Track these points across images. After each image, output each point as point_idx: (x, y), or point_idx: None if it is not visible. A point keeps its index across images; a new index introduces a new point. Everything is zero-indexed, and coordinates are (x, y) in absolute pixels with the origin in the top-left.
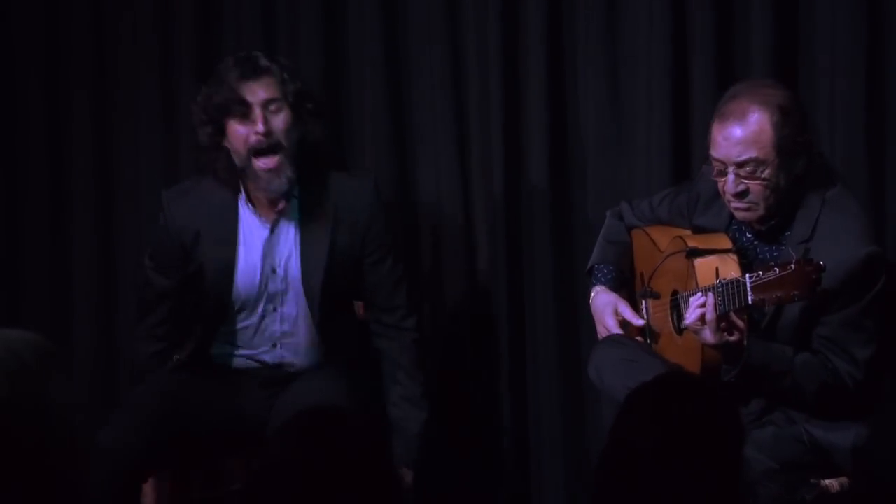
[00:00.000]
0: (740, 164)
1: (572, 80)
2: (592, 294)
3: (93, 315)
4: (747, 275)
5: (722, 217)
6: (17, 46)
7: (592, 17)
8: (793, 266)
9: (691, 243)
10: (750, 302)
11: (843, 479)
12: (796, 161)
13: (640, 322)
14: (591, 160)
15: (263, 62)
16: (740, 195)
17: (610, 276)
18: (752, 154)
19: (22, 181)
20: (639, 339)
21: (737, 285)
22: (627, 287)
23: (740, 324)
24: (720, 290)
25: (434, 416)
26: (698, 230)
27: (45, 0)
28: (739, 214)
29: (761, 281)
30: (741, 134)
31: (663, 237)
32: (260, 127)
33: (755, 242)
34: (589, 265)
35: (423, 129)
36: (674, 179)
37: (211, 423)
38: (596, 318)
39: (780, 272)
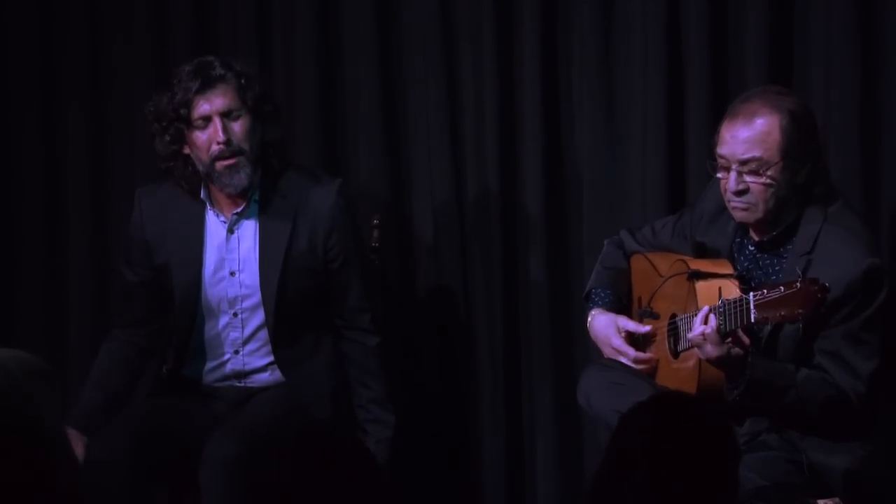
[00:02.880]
0: (744, 163)
1: (567, 100)
2: (589, 318)
3: (87, 330)
4: (751, 293)
5: (727, 232)
6: (12, 53)
7: (587, 40)
8: (798, 285)
9: (693, 266)
10: (753, 320)
11: (837, 500)
12: (800, 168)
13: (645, 329)
14: (586, 180)
15: (219, 71)
16: (740, 193)
17: (607, 300)
18: (757, 154)
19: (17, 189)
20: (639, 360)
21: (740, 303)
22: (625, 313)
23: (745, 339)
24: (722, 308)
25: (412, 425)
26: (701, 248)
27: (40, 4)
28: (738, 215)
29: (765, 299)
30: (748, 133)
31: (663, 262)
32: (221, 136)
33: (757, 255)
34: (586, 290)
35: (418, 146)
36: (669, 198)
37: (190, 443)
38: (599, 340)
39: (785, 290)
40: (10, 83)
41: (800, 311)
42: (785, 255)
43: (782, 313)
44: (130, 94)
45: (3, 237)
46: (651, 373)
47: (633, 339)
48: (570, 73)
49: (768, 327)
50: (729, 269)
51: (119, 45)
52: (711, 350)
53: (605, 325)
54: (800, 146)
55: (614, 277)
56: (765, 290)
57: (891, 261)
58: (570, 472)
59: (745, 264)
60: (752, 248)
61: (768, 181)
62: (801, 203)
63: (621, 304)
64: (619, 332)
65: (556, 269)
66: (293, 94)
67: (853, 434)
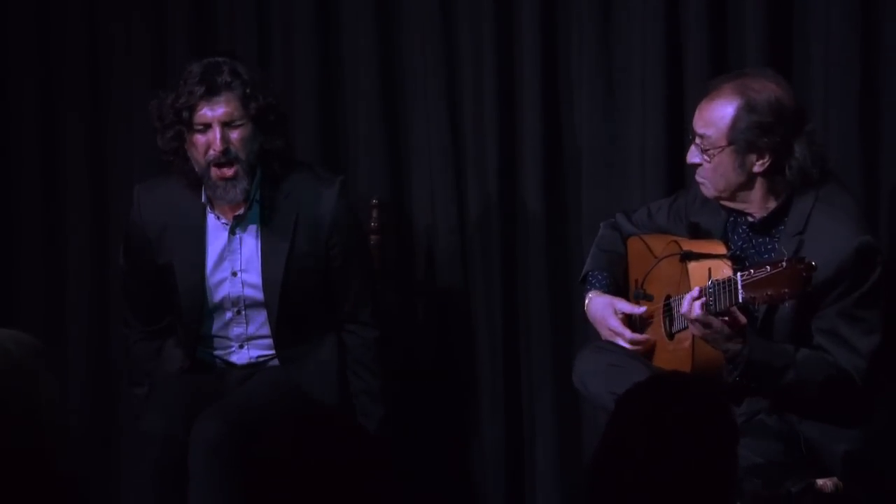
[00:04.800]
0: (700, 137)
1: (567, 90)
2: (587, 300)
3: (85, 321)
4: (738, 273)
5: (720, 212)
6: (11, 49)
7: (586, 29)
8: (784, 264)
9: (686, 247)
10: (741, 300)
11: (836, 480)
12: (754, 158)
13: (641, 310)
14: (585, 170)
15: (225, 78)
16: (695, 166)
17: (604, 283)
18: (708, 132)
19: (15, 188)
20: (635, 341)
21: (728, 284)
22: (621, 296)
23: (741, 318)
24: (711, 289)
25: (412, 415)
26: (695, 228)
27: (38, 8)
28: (700, 187)
29: (752, 279)
30: (706, 111)
31: (658, 243)
32: (218, 146)
33: (749, 234)
34: (583, 273)
35: (417, 140)
36: (668, 188)
37: None
38: (596, 322)
39: (771, 270)
40: (8, 79)
41: (785, 290)
42: (777, 236)
43: (769, 293)
44: (129, 92)
45: (2, 228)
46: (647, 354)
47: (630, 321)
48: (570, 58)
49: (763, 308)
50: (722, 250)
51: (118, 43)
52: (700, 329)
53: (602, 307)
54: (750, 136)
55: (611, 261)
56: (752, 270)
57: (888, 239)
58: (569, 460)
59: (740, 244)
60: (745, 228)
61: (714, 162)
62: (785, 188)
63: (618, 287)
64: (616, 314)
65: (556, 255)
66: (293, 92)
67: (854, 414)
